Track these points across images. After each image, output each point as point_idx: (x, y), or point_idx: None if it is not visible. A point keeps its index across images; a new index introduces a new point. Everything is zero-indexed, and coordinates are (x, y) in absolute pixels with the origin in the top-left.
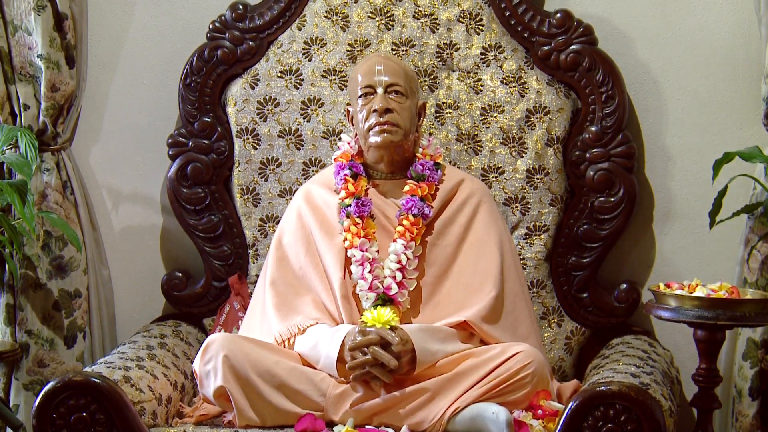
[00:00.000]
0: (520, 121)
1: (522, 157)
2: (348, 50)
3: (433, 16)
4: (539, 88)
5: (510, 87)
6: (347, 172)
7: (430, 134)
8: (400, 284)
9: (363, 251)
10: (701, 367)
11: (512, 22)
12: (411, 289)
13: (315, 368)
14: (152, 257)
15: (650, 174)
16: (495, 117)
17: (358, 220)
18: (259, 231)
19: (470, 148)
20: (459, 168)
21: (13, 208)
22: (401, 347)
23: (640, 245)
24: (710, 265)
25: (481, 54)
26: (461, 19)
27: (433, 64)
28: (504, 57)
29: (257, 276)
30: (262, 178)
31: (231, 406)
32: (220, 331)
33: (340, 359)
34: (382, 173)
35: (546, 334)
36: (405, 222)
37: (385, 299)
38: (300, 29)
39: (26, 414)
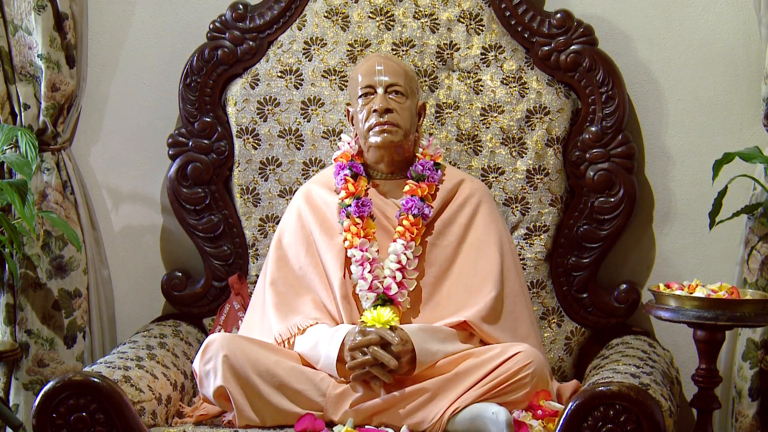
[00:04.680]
0: (520, 122)
1: (522, 157)
2: (348, 50)
3: (434, 16)
4: (539, 88)
5: (510, 87)
6: (347, 172)
7: (430, 134)
8: (400, 284)
9: (363, 251)
10: (701, 368)
11: (512, 23)
12: (411, 289)
13: (315, 368)
14: (152, 257)
15: (650, 174)
16: (495, 117)
17: (358, 220)
18: (259, 231)
19: (470, 148)
20: (459, 168)
21: (13, 208)
22: (401, 347)
23: (640, 245)
24: (710, 266)
25: (481, 54)
26: (461, 19)
27: (433, 64)
28: (504, 57)
29: (257, 276)
30: (262, 178)
31: (231, 406)
32: (220, 331)
33: (340, 359)
34: (382, 173)
35: (546, 334)
36: (405, 222)
37: (385, 299)
38: (300, 29)
39: (26, 414)
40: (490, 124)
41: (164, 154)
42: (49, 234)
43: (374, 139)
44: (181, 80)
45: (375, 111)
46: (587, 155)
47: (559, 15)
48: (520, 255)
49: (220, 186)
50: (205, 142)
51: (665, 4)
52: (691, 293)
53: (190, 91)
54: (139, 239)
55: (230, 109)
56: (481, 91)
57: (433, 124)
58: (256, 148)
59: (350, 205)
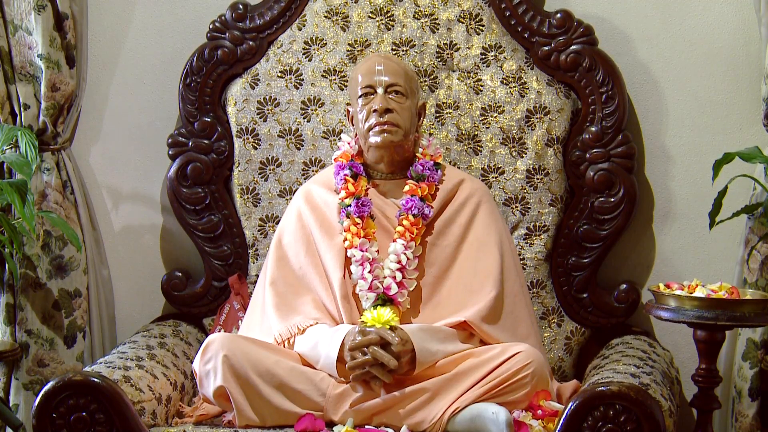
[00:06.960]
0: (520, 122)
1: (522, 157)
2: (348, 50)
3: (433, 16)
4: (539, 88)
5: (510, 87)
6: (347, 172)
7: (430, 134)
8: (399, 284)
9: (363, 251)
10: (701, 368)
11: (512, 23)
12: (411, 289)
13: (315, 368)
14: (152, 257)
15: (650, 174)
16: (495, 117)
17: (358, 220)
18: (259, 231)
19: (470, 148)
20: (459, 168)
21: (13, 208)
22: (401, 347)
23: (640, 245)
24: (710, 265)
25: (481, 54)
26: (461, 19)
27: (433, 64)
28: (504, 57)
29: (257, 276)
30: (262, 178)
31: (231, 406)
32: (219, 330)
33: (340, 359)
34: (382, 173)
35: (546, 334)
36: (405, 222)
37: (384, 299)
38: (300, 29)
39: (26, 414)
40: (490, 124)
41: (164, 154)
42: (49, 234)
43: (374, 139)
44: (181, 80)
45: (375, 111)
46: (587, 155)
47: (559, 15)
48: (520, 255)
49: (220, 186)
50: (205, 142)
51: (665, 4)
52: (691, 293)
53: (190, 91)
54: (139, 239)
55: (230, 109)
56: (481, 91)
57: (433, 124)
58: (256, 148)
59: (350, 205)
